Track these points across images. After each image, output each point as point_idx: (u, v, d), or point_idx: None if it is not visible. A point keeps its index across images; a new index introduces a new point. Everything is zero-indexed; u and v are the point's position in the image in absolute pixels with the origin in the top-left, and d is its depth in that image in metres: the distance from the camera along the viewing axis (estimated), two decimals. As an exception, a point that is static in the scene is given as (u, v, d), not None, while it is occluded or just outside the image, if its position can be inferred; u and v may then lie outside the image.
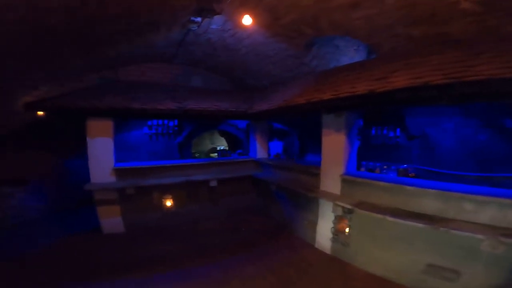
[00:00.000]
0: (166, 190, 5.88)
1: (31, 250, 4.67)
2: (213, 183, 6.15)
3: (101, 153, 5.30)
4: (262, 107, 6.15)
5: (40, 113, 6.92)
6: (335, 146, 4.73)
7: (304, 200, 5.38)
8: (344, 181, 4.58)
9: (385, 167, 5.21)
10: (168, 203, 6.11)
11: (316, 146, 9.21)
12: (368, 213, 3.86)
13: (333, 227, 4.72)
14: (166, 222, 5.93)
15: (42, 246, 4.89)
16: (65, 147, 7.01)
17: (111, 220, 5.39)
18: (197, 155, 10.90)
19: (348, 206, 4.15)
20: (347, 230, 4.43)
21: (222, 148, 14.95)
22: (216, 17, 4.89)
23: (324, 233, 4.91)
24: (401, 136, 7.11)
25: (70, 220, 6.29)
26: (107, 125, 5.41)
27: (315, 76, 5.99)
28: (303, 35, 5.35)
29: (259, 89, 8.71)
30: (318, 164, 5.18)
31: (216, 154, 15.14)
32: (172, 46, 6.85)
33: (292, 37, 5.59)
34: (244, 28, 5.25)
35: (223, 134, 11.37)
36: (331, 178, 4.75)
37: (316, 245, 5.07)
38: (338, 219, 4.61)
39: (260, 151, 7.26)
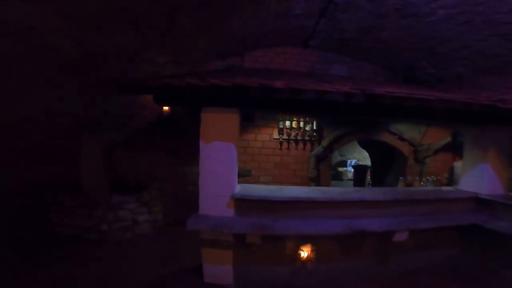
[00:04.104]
0: (305, 237, 3.48)
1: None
2: (401, 237, 3.24)
3: (218, 168, 3.30)
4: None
5: (165, 108, 6.30)
6: None
7: None
8: None
9: None
10: (304, 254, 3.71)
11: None
12: None
13: None
14: (295, 282, 3.56)
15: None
16: (188, 150, 5.89)
17: (218, 267, 3.43)
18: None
19: None
20: None
21: (356, 163, 11.55)
22: None
23: None
24: None
25: (176, 243, 4.80)
26: (231, 119, 3.30)
27: None
28: None
29: (443, 81, 5.41)
30: None
31: (346, 169, 11.95)
32: (311, 17, 4.79)
33: None
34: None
35: (367, 145, 8.19)
36: None
37: None
38: None
39: (492, 182, 3.78)
